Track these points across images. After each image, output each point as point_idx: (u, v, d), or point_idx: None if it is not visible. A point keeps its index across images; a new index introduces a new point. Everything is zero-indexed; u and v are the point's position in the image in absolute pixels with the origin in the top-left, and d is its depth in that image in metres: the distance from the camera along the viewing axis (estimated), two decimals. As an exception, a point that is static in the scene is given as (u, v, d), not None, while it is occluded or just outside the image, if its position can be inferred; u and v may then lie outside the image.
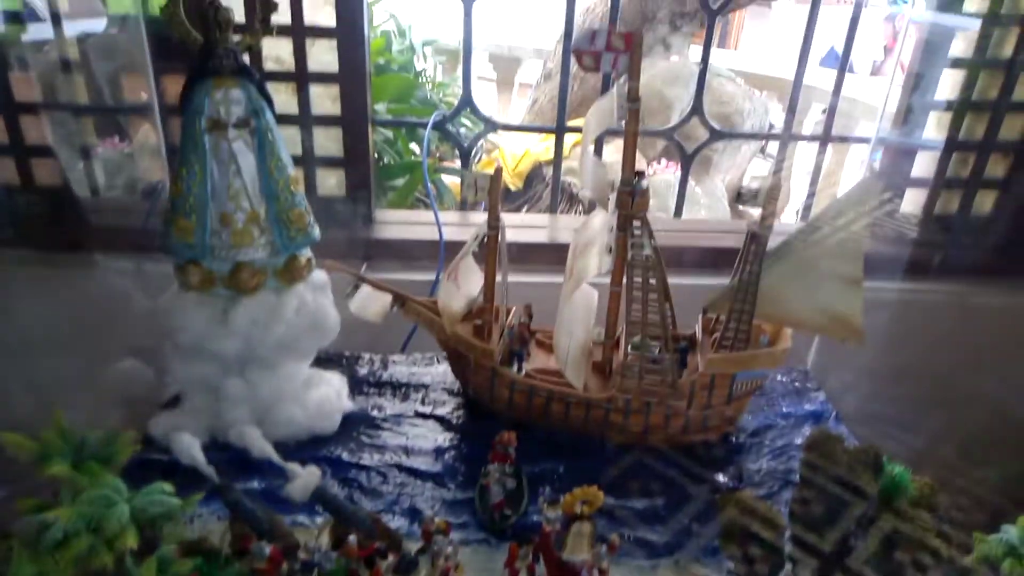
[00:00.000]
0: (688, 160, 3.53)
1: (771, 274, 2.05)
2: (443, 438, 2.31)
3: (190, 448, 1.99)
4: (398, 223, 3.42)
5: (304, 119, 3.08)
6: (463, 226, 3.39)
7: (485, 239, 2.21)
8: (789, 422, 2.44)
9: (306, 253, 2.19)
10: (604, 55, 1.88)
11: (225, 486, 1.96)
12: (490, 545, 1.94)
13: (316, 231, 2.18)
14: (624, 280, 2.12)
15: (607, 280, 2.18)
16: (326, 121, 3.12)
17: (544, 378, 2.25)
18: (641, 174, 2.04)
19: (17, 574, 1.26)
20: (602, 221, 2.15)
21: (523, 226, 3.45)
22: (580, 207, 5.74)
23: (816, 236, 1.99)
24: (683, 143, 3.52)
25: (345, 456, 2.20)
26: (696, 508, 2.05)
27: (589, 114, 2.11)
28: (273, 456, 2.02)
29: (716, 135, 3.56)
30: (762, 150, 6.89)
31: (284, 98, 3.06)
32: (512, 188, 6.57)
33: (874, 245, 1.99)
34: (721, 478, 2.18)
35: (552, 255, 3.12)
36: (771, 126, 6.50)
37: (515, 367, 2.29)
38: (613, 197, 2.06)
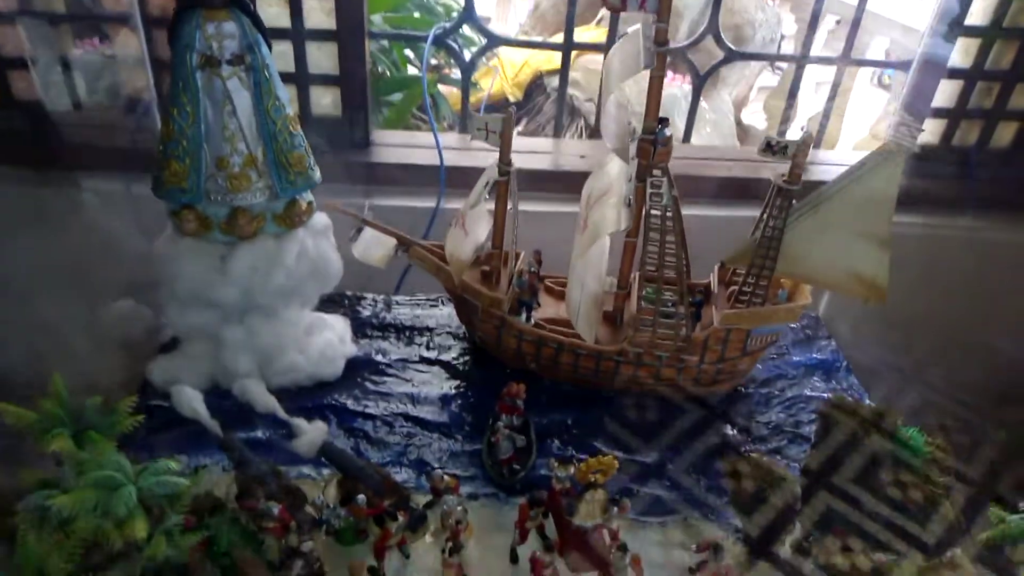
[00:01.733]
0: (701, 82, 3.33)
1: (795, 231, 1.96)
2: (449, 386, 2.27)
3: (191, 402, 1.94)
4: (397, 146, 3.25)
5: (297, 33, 2.86)
6: (464, 150, 3.24)
7: (495, 183, 2.10)
8: (799, 371, 2.41)
9: (306, 196, 2.08)
10: (632, -8, 1.72)
11: (229, 442, 1.92)
12: (499, 499, 1.93)
13: (317, 174, 2.06)
14: (640, 230, 2.04)
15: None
16: (320, 35, 2.91)
17: (554, 328, 2.20)
18: (664, 121, 1.91)
19: (23, 556, 1.23)
20: (620, 169, 2.04)
21: (526, 151, 3.30)
22: (582, 122, 5.54)
23: (845, 193, 1.89)
24: (695, 61, 3.30)
25: (350, 404, 2.16)
26: (706, 464, 2.04)
27: (611, 56, 1.96)
28: (278, 411, 1.98)
29: (732, 55, 3.33)
30: (771, 64, 6.62)
31: (275, 11, 2.85)
32: (511, 99, 6.32)
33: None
34: (730, 431, 2.17)
35: (558, 183, 3.00)
36: (782, 37, 6.21)
37: (524, 316, 2.23)
38: (633, 146, 1.95)
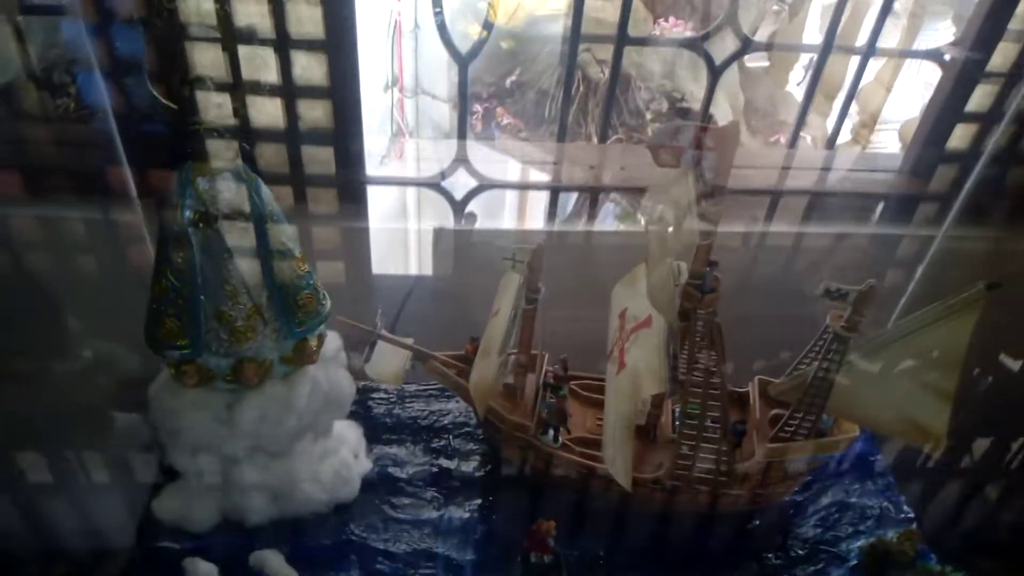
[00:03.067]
0: (716, 74, 2.94)
1: (850, 373, 1.82)
2: (472, 507, 2.15)
3: (207, 577, 1.83)
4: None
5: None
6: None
7: (521, 313, 1.93)
8: (840, 468, 2.31)
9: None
10: (687, 152, 1.51)
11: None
12: (533, 653, 1.86)
13: (327, 306, 1.87)
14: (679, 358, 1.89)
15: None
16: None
17: (583, 451, 2.07)
18: (714, 264, 1.73)
19: None
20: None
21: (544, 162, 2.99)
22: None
23: (910, 341, 1.74)
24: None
25: (371, 540, 2.04)
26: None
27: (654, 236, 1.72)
28: (299, 581, 1.86)
29: (749, 45, 2.91)
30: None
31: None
32: (504, 46, 5.94)
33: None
34: (768, 555, 2.09)
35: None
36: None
37: (551, 435, 2.09)
38: (677, 294, 1.76)
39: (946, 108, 2.59)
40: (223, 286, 1.67)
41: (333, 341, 2.00)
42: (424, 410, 2.42)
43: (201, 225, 1.60)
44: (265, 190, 1.65)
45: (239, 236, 1.64)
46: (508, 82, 5.21)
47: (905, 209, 2.79)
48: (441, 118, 4.90)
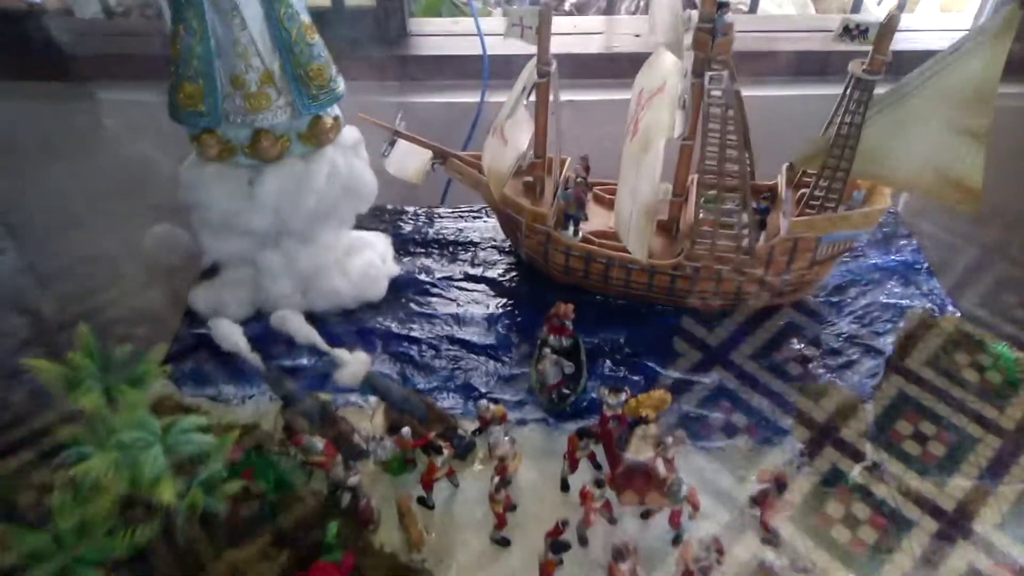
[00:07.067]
0: None
1: (875, 126, 1.72)
2: (495, 304, 2.17)
3: (231, 335, 1.91)
4: (435, 35, 3.02)
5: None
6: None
7: (534, 86, 1.91)
8: (875, 276, 2.21)
9: (332, 111, 1.93)
10: None
11: (272, 377, 1.89)
12: (549, 424, 1.86)
13: (341, 86, 1.90)
14: (697, 132, 1.83)
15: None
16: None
17: (603, 242, 2.05)
18: (725, 6, 1.67)
19: (60, 515, 1.23)
20: (673, 63, 1.80)
21: (573, 32, 3.00)
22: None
23: (938, 81, 1.63)
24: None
25: (395, 328, 2.09)
26: (767, 387, 1.92)
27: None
28: (318, 342, 1.92)
29: None
30: None
31: None
32: None
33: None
34: (798, 346, 2.02)
35: (609, 67, 2.75)
36: None
37: (571, 230, 2.08)
38: (688, 36, 1.71)
39: None
40: (234, 47, 1.72)
41: (352, 132, 2.03)
42: (452, 228, 2.44)
43: (209, -23, 1.64)
44: (271, -52, 1.68)
45: (246, -7, 1.68)
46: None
47: None
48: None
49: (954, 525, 1.62)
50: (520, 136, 2.07)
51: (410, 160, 2.11)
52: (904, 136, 1.70)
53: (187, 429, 1.31)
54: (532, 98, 1.96)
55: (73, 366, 1.39)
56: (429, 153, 2.12)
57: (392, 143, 2.09)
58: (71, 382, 1.37)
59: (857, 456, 1.75)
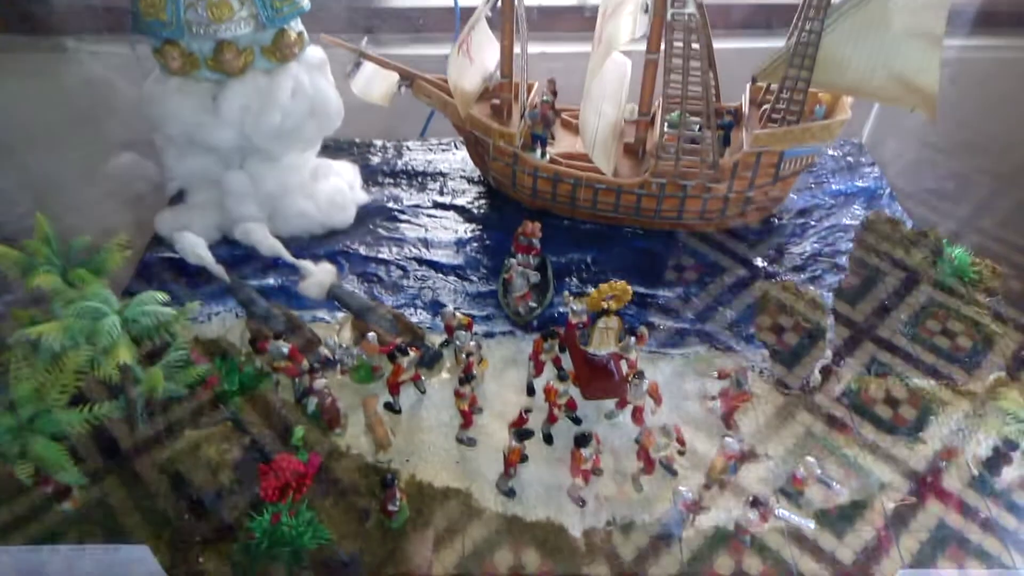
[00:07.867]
0: None
1: (834, 33, 1.75)
2: (464, 229, 2.17)
3: (195, 247, 1.90)
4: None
5: None
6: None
7: (499, 2, 1.91)
8: (838, 201, 2.24)
9: (296, 26, 1.93)
10: None
11: (236, 285, 1.88)
12: (515, 336, 1.87)
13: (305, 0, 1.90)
14: (662, 46, 1.85)
15: (642, 47, 1.91)
16: None
17: (570, 163, 2.06)
18: (685, -89, 1.68)
19: (16, 389, 1.21)
20: (636, -26, 1.82)
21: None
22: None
23: (894, -18, 1.66)
24: None
25: (362, 250, 2.09)
26: (733, 297, 1.94)
27: None
28: (283, 253, 1.92)
29: None
30: None
31: None
32: None
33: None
34: (761, 262, 2.04)
35: (579, 20, 2.75)
36: None
37: (538, 152, 2.09)
38: (650, -58, 1.73)
39: None
40: (196, -50, 1.71)
41: (317, 52, 2.03)
42: (422, 159, 2.44)
43: None
44: None
45: None
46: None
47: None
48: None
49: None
50: (486, 56, 2.08)
51: (376, 82, 2.10)
52: (862, 43, 1.72)
53: (144, 302, 1.30)
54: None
55: (30, 251, 1.38)
56: (396, 75, 2.12)
57: (357, 64, 2.08)
58: (26, 267, 1.35)
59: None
